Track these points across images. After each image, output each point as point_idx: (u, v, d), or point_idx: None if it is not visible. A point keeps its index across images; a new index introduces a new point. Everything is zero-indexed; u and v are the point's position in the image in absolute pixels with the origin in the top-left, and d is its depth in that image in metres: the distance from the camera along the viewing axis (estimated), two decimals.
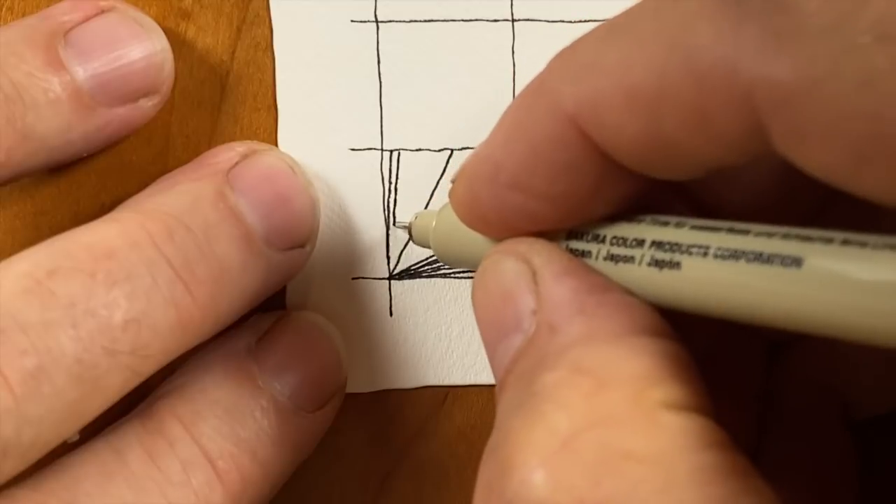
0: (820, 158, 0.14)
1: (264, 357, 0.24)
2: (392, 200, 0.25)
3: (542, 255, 0.18)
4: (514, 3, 0.25)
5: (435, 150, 0.25)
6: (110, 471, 0.21)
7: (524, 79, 0.25)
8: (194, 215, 0.21)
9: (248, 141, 0.25)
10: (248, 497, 0.22)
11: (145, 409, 0.23)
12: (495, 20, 0.25)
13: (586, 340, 0.16)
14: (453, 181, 0.20)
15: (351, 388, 0.25)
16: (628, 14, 0.16)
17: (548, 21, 0.25)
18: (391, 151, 0.25)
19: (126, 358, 0.20)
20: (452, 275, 0.25)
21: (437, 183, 0.25)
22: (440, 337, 0.26)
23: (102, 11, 0.23)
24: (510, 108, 0.18)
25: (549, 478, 0.15)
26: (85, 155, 0.24)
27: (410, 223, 0.24)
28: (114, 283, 0.20)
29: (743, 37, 0.14)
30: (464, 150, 0.25)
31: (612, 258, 0.17)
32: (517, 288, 0.18)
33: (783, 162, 0.14)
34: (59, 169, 0.24)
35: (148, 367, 0.20)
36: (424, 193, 0.25)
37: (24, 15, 0.24)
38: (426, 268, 0.25)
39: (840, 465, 0.20)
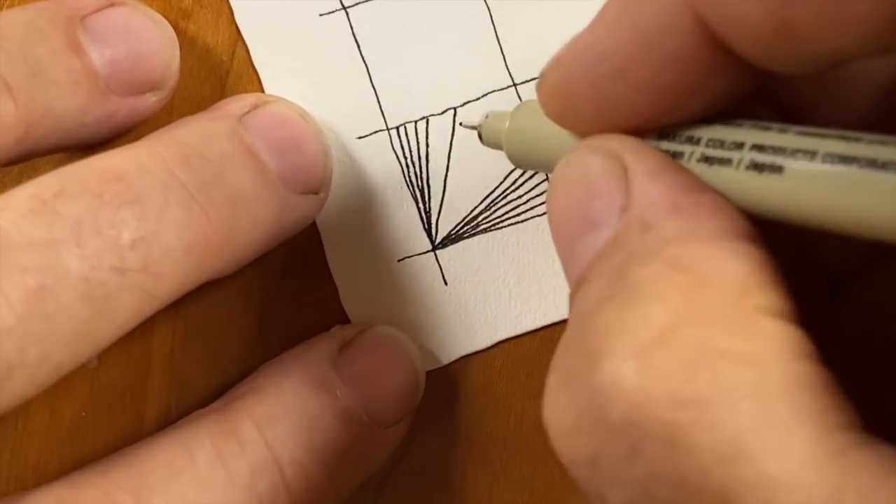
0: None
1: (344, 367, 0.23)
2: (412, 174, 0.25)
3: (634, 152, 0.17)
4: None
5: (438, 114, 0.25)
6: (177, 467, 0.21)
7: (502, 19, 0.25)
8: (210, 145, 0.21)
9: (259, 93, 0.25)
10: None
11: (220, 408, 0.23)
12: None
13: (684, 238, 0.15)
14: (544, 73, 0.19)
15: (429, 366, 0.25)
16: None
17: None
18: (397, 128, 0.25)
19: (136, 276, 0.19)
20: (493, 227, 0.25)
21: (451, 143, 0.25)
22: (500, 290, 0.26)
23: (113, 4, 0.23)
24: None
25: (641, 369, 0.14)
26: (91, 143, 0.24)
27: (480, 124, 0.23)
28: (122, 204, 0.19)
29: None
30: (465, 105, 0.25)
31: (707, 160, 0.16)
32: (605, 183, 0.17)
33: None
34: (59, 169, 0.24)
35: (162, 289, 0.20)
36: (442, 159, 0.25)
37: None
38: (465, 228, 0.25)
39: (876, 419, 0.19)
